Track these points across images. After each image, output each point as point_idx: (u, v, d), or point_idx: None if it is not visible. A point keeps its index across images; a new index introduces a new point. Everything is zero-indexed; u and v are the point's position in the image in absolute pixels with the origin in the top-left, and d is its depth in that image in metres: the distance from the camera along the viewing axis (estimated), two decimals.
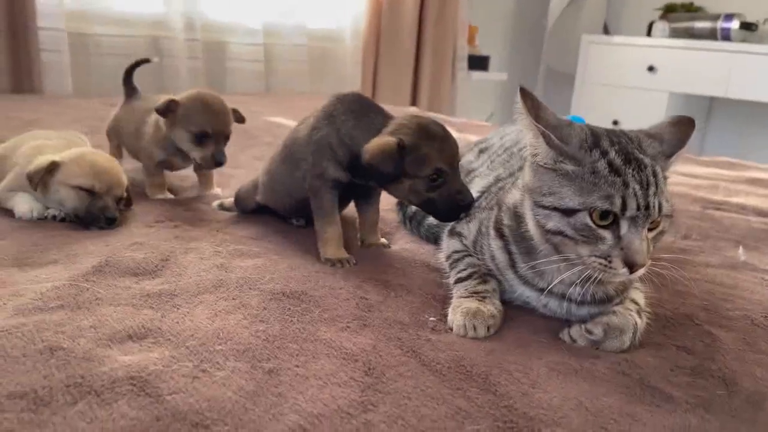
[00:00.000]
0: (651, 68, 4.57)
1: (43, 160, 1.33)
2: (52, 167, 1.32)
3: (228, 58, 3.70)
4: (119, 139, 1.81)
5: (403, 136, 1.13)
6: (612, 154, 0.90)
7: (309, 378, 0.77)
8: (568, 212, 0.90)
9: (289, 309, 0.96)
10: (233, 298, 0.98)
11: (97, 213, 1.31)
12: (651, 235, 0.91)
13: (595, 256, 0.90)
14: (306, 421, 0.67)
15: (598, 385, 0.82)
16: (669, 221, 0.95)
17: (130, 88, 1.83)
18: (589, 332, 0.95)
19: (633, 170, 0.89)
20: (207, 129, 1.45)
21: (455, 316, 0.97)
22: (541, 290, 1.01)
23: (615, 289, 1.01)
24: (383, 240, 1.35)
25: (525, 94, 0.93)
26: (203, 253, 1.16)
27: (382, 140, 1.13)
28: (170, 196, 1.59)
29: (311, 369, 0.79)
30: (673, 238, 1.50)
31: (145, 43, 3.39)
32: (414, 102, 4.60)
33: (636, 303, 1.02)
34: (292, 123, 2.61)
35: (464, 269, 1.09)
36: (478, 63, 4.89)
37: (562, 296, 1.01)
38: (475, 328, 0.95)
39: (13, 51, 2.95)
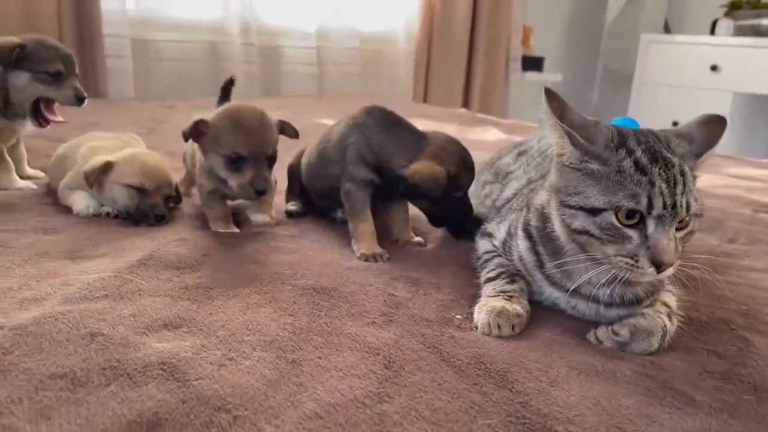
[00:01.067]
0: (714, 67, 4.42)
1: (98, 160, 1.41)
2: (107, 167, 1.39)
3: (282, 61, 3.79)
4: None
5: (450, 166, 1.28)
6: (638, 153, 0.90)
7: (330, 369, 0.80)
8: (593, 211, 0.90)
9: (318, 304, 0.99)
10: (265, 293, 1.02)
11: (146, 210, 1.38)
12: (680, 234, 0.91)
13: (622, 255, 0.89)
14: (322, 410, 0.70)
15: (618, 385, 0.82)
16: (698, 221, 0.94)
17: None
18: (616, 333, 0.94)
19: (660, 169, 0.88)
20: (240, 151, 1.22)
21: (480, 315, 0.98)
22: (569, 291, 1.01)
23: (644, 291, 1.00)
24: (418, 238, 1.38)
25: (550, 94, 0.94)
26: (242, 250, 1.21)
27: (433, 168, 1.26)
28: (234, 229, 1.35)
29: (333, 361, 0.82)
30: (718, 242, 1.47)
31: (203, 48, 3.51)
32: (466, 104, 4.59)
33: (667, 306, 1.01)
34: None
35: (493, 269, 1.10)
36: (533, 64, 4.84)
37: (590, 298, 1.01)
38: (499, 327, 0.96)
39: (81, 57, 3.10)
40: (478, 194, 1.49)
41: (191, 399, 0.70)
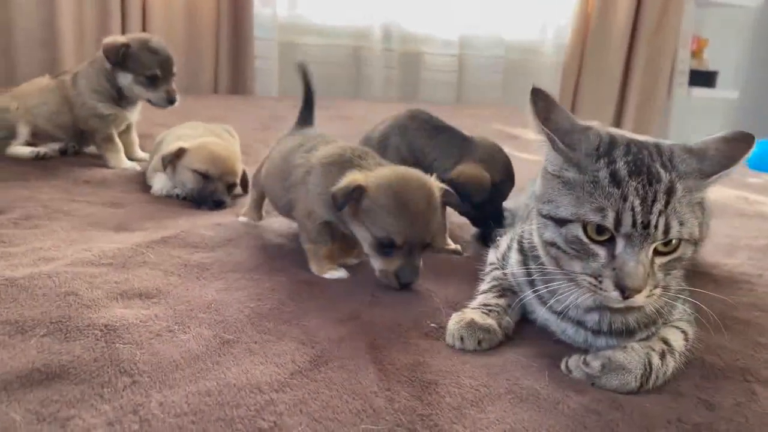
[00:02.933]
0: None
1: (174, 145, 1.55)
2: (180, 152, 1.53)
3: (422, 68, 3.84)
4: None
5: (495, 173, 1.28)
6: (619, 164, 0.81)
7: (256, 354, 0.82)
8: (560, 222, 0.83)
9: (296, 294, 1.02)
10: (254, 279, 1.06)
11: (207, 195, 1.49)
12: (662, 260, 0.80)
13: (586, 273, 0.81)
14: (216, 388, 0.73)
15: (549, 417, 0.75)
16: (692, 248, 0.82)
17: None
18: (586, 364, 0.85)
19: (639, 183, 0.78)
20: (396, 239, 1.03)
21: (449, 325, 0.94)
22: (557, 313, 0.94)
23: (636, 321, 0.89)
24: (455, 246, 1.34)
25: (537, 94, 0.87)
26: (263, 240, 1.26)
27: (479, 172, 1.26)
28: (342, 273, 1.12)
29: (265, 347, 0.84)
30: None
31: (346, 52, 3.67)
32: (618, 120, 4.31)
33: (666, 343, 0.89)
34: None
35: (489, 282, 1.05)
36: (703, 79, 4.42)
37: (578, 323, 0.92)
38: (462, 339, 0.91)
39: (234, 58, 3.40)
40: None
41: (104, 359, 0.76)
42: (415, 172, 1.08)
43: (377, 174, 1.05)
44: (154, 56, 1.70)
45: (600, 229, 0.80)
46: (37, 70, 2.48)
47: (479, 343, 0.91)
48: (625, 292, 0.78)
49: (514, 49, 4.01)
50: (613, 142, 0.85)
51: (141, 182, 1.65)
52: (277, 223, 1.36)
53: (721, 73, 4.53)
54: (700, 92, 4.40)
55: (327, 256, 1.13)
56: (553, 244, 0.85)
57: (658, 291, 0.81)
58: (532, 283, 0.97)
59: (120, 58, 1.66)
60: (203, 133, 1.71)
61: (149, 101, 1.76)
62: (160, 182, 1.58)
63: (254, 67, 3.43)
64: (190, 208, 1.47)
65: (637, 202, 0.78)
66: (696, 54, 4.48)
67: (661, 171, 0.80)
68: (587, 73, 4.18)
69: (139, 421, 0.66)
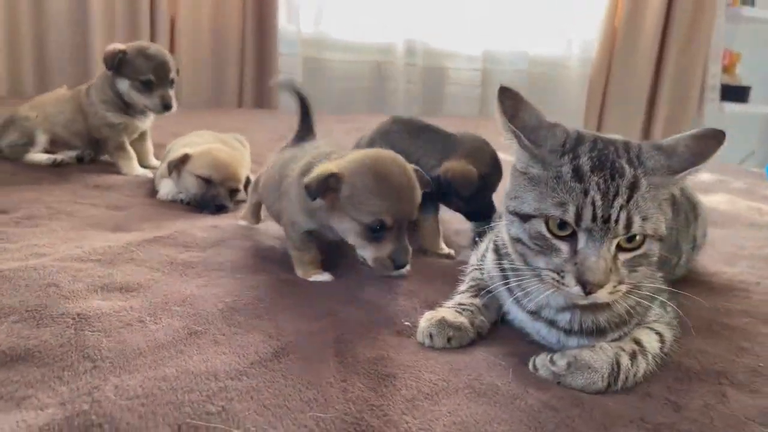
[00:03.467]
0: None
1: (180, 152, 1.59)
2: (185, 158, 1.57)
3: (446, 82, 3.86)
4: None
5: (481, 166, 1.28)
6: (583, 159, 0.80)
7: (221, 345, 0.83)
8: (525, 218, 0.83)
9: (277, 291, 1.03)
10: (239, 277, 1.08)
11: (209, 199, 1.53)
12: (626, 256, 0.79)
13: (549, 269, 0.81)
14: (173, 374, 0.74)
15: (504, 412, 0.74)
16: (657, 244, 0.80)
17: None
18: (552, 362, 0.85)
19: (601, 178, 0.78)
20: (386, 219, 1.00)
21: (420, 323, 0.94)
22: (531, 313, 0.93)
23: (607, 321, 0.88)
24: (449, 250, 1.34)
25: (504, 93, 0.87)
26: (255, 242, 1.28)
27: (465, 167, 1.27)
28: (326, 276, 1.12)
29: (232, 339, 0.85)
30: None
31: (369, 68, 3.71)
32: (647, 135, 4.25)
33: (639, 344, 0.87)
34: None
35: (467, 282, 1.05)
36: (736, 94, 4.33)
37: (551, 322, 0.91)
38: (431, 336, 0.91)
39: (258, 73, 3.47)
40: None
41: (69, 345, 0.78)
42: (384, 151, 1.07)
43: (348, 159, 1.03)
44: (148, 61, 1.75)
45: (562, 224, 0.79)
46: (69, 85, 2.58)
47: (449, 340, 0.91)
48: (587, 286, 0.77)
49: (539, 64, 4.00)
50: (579, 138, 0.85)
51: (150, 188, 1.69)
52: (274, 227, 1.38)
53: (755, 88, 4.42)
54: (732, 107, 4.31)
55: (311, 261, 1.14)
56: (518, 240, 0.85)
57: (623, 287, 0.80)
58: (506, 283, 0.96)
59: (116, 63, 1.72)
60: (211, 141, 1.75)
61: (146, 107, 1.80)
62: (165, 187, 1.62)
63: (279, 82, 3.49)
64: (191, 212, 1.50)
65: (598, 197, 0.77)
66: (728, 69, 4.40)
67: (626, 166, 0.80)
68: (614, 88, 4.14)
69: (90, 402, 0.67)
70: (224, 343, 0.84)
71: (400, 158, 1.06)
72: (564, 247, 0.80)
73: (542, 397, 0.78)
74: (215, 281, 1.05)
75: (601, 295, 0.79)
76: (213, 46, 3.36)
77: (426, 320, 0.93)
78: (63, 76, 2.97)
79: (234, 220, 1.43)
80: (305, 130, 1.38)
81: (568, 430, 0.72)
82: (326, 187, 1.00)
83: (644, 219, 0.78)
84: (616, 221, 0.76)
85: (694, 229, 1.23)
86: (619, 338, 0.89)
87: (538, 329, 0.93)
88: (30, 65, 3.01)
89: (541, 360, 0.86)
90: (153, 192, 1.65)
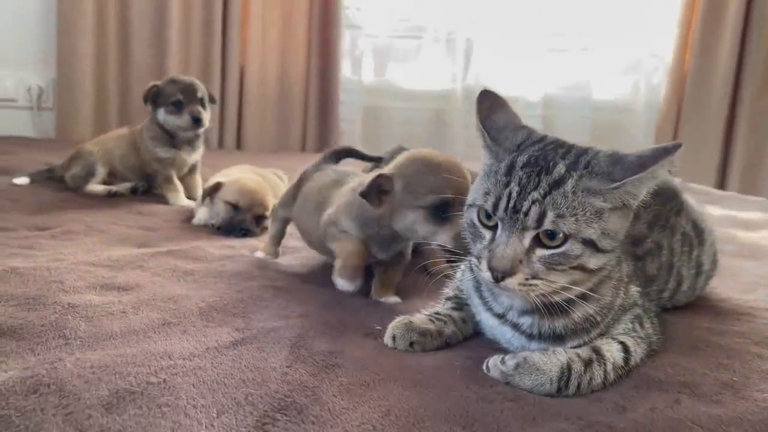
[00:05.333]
0: None
1: (213, 180, 1.71)
2: (217, 186, 1.68)
3: None
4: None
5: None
6: (521, 156, 0.82)
7: (187, 334, 0.90)
8: (468, 207, 0.87)
9: (262, 295, 1.09)
10: (231, 283, 1.15)
11: (235, 224, 1.62)
12: (544, 252, 0.79)
13: (474, 255, 0.84)
14: (132, 353, 0.81)
15: (435, 401, 0.75)
16: (585, 250, 0.79)
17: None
18: (503, 362, 0.85)
19: (526, 173, 0.80)
20: (447, 194, 1.01)
21: (389, 325, 0.96)
22: (499, 316, 0.93)
23: (564, 328, 0.87)
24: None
25: (484, 95, 0.91)
26: (257, 260, 1.34)
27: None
28: (355, 286, 1.10)
29: (201, 330, 0.92)
30: None
31: (429, 115, 3.80)
32: (722, 182, 4.06)
33: (597, 353, 0.86)
34: None
35: (453, 290, 1.05)
36: None
37: (515, 326, 0.92)
38: (394, 338, 0.93)
39: (321, 120, 3.64)
40: None
41: (50, 325, 0.87)
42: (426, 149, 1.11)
43: (392, 164, 1.08)
44: (176, 85, 1.93)
45: (488, 214, 0.82)
46: None
47: (411, 344, 0.93)
48: (494, 272, 0.79)
49: (603, 109, 3.95)
50: (536, 139, 0.87)
51: (189, 216, 1.81)
52: (287, 262, 1.37)
53: None
54: None
55: (355, 255, 1.10)
56: (464, 229, 0.88)
57: (537, 283, 0.79)
58: (478, 288, 0.97)
59: (152, 96, 1.91)
60: (247, 173, 1.86)
61: (179, 128, 1.94)
62: (200, 213, 1.74)
63: (339, 128, 3.64)
64: (217, 234, 1.60)
65: (515, 189, 0.79)
66: None
67: (560, 166, 0.80)
68: (685, 134, 4.01)
69: (48, 369, 0.75)
70: (192, 333, 0.90)
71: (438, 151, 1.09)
72: (488, 235, 0.82)
73: (480, 391, 0.79)
74: (208, 286, 1.12)
75: (510, 285, 0.79)
76: (279, 94, 3.57)
77: (394, 322, 0.96)
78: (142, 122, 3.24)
79: (254, 241, 1.51)
80: (332, 159, 1.43)
81: (493, 420, 0.72)
82: (379, 190, 1.04)
83: (560, 216, 0.77)
84: (526, 213, 0.78)
85: (699, 255, 1.18)
86: (579, 345, 0.88)
87: (504, 333, 0.93)
88: (115, 113, 3.30)
89: (493, 361, 0.87)
90: (190, 218, 1.77)
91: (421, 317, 0.98)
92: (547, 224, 0.78)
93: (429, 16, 3.67)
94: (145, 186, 2.08)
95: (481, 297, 0.97)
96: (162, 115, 1.94)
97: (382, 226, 1.09)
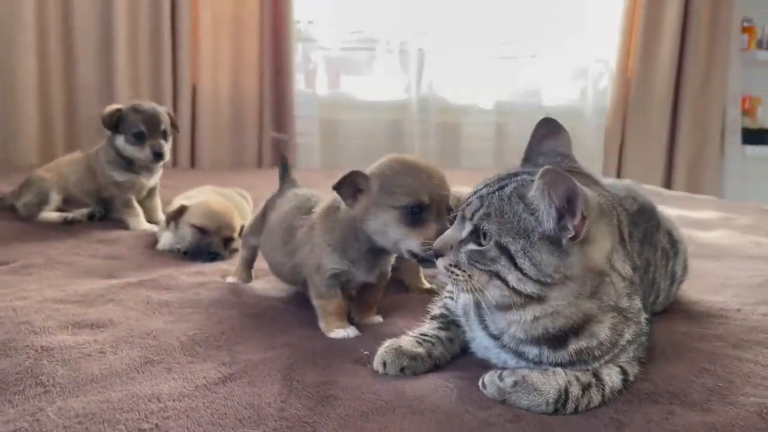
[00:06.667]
0: None
1: (177, 204, 1.66)
2: (182, 210, 1.64)
3: (461, 137, 3.92)
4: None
5: None
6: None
7: (173, 372, 0.87)
8: None
9: (243, 325, 1.06)
10: (210, 313, 1.12)
11: (203, 247, 1.58)
12: (471, 247, 0.84)
13: None
14: (117, 397, 0.78)
15: (439, 429, 0.74)
16: (496, 251, 0.81)
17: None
18: (500, 378, 0.85)
19: (501, 178, 0.88)
20: (423, 198, 0.99)
21: (378, 350, 0.95)
22: (494, 337, 0.93)
23: (562, 359, 0.86)
24: (431, 285, 1.35)
25: (545, 122, 1.02)
26: (230, 286, 1.31)
27: None
28: (350, 331, 1.06)
29: (187, 368, 0.88)
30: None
31: (385, 126, 3.81)
32: (669, 181, 4.20)
33: (597, 377, 0.85)
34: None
35: (440, 308, 1.04)
36: (758, 137, 4.28)
37: (518, 354, 0.90)
38: (384, 365, 0.92)
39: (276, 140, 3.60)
40: None
41: (26, 372, 0.83)
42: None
43: (372, 165, 1.05)
44: (139, 115, 1.86)
45: None
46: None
47: (402, 369, 0.91)
48: (435, 250, 0.87)
49: (553, 115, 3.96)
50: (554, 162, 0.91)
51: (152, 241, 1.76)
52: (261, 285, 1.34)
53: None
54: (755, 150, 4.26)
55: (336, 311, 1.08)
56: None
57: (459, 273, 0.84)
58: (478, 305, 0.96)
59: (114, 122, 1.83)
60: (211, 194, 1.82)
61: (139, 159, 1.88)
62: (164, 239, 1.69)
63: (296, 142, 3.61)
64: (185, 260, 1.55)
65: (480, 187, 0.87)
66: (749, 113, 4.37)
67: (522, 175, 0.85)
68: (631, 136, 4.13)
69: (30, 422, 0.71)
70: (176, 371, 0.87)
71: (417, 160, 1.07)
72: None
73: (481, 415, 0.78)
74: (185, 317, 1.09)
75: (439, 264, 0.87)
76: (233, 110, 3.50)
77: (383, 348, 0.94)
78: (91, 144, 3.12)
79: (224, 265, 1.47)
80: (286, 183, 1.38)
81: None
82: (355, 187, 1.01)
83: (486, 215, 0.82)
84: (468, 205, 0.85)
85: (674, 266, 1.21)
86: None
87: (504, 360, 0.91)
88: (61, 133, 3.19)
89: (489, 376, 0.86)
90: (154, 244, 1.72)
91: (408, 340, 0.97)
92: (476, 219, 0.83)
93: (381, 28, 3.68)
94: (103, 212, 2.01)
95: (479, 314, 0.96)
96: (121, 142, 1.87)
97: (361, 241, 1.06)
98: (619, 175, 4.14)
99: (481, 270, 0.82)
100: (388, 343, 0.95)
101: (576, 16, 3.92)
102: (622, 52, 4.05)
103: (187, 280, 1.32)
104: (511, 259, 0.80)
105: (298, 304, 1.18)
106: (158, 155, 1.86)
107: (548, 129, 0.94)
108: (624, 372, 0.88)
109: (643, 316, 0.92)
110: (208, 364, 0.90)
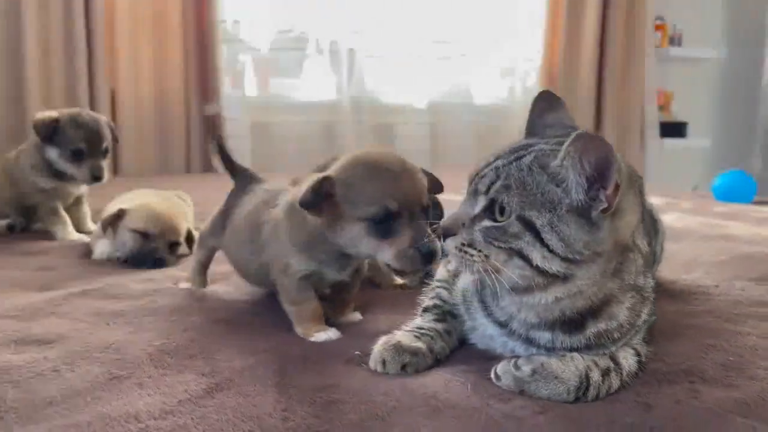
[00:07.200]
0: None
1: (114, 208, 1.51)
2: (120, 214, 1.49)
3: (395, 137, 3.87)
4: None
5: None
6: None
7: (147, 387, 0.75)
8: None
9: (212, 331, 0.95)
10: (172, 320, 1.00)
11: (147, 253, 1.44)
12: (487, 223, 0.77)
13: None
14: (86, 421, 0.66)
15: (465, 426, 0.67)
16: (519, 227, 0.75)
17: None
18: (517, 367, 0.78)
19: (512, 150, 0.81)
20: (391, 205, 0.88)
21: (375, 348, 0.86)
22: (500, 324, 0.86)
23: (579, 344, 0.81)
24: (403, 281, 1.28)
25: (543, 96, 0.93)
26: (188, 292, 1.19)
27: None
28: (332, 333, 0.96)
29: (161, 380, 0.77)
30: (759, 292, 1.18)
31: (318, 128, 3.71)
32: None
33: (615, 362, 0.80)
34: None
35: (432, 299, 0.96)
36: (674, 130, 4.47)
37: (527, 340, 0.83)
38: (384, 363, 0.83)
39: (205, 138, 3.43)
40: None
41: None
42: (375, 147, 0.98)
43: (337, 164, 0.93)
44: (80, 131, 1.68)
45: None
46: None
47: (403, 367, 0.83)
48: (442, 231, 0.79)
49: (484, 113, 4.05)
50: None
51: (84, 251, 1.59)
52: (223, 290, 1.22)
53: (692, 123, 4.58)
54: (672, 143, 4.44)
55: (313, 316, 0.97)
56: None
57: (473, 252, 0.76)
58: (480, 291, 0.89)
59: (49, 132, 1.65)
60: (150, 196, 1.68)
61: (74, 176, 1.72)
62: (101, 247, 1.53)
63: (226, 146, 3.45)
64: (127, 268, 1.41)
65: (490, 159, 0.79)
66: (664, 107, 4.55)
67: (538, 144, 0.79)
68: None
69: None
70: (150, 386, 0.75)
71: (392, 151, 0.96)
72: None
73: (504, 409, 0.71)
74: (145, 327, 0.96)
75: (448, 245, 0.78)
76: (157, 114, 3.31)
77: (380, 345, 0.85)
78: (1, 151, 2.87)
79: (174, 271, 1.34)
80: (246, 177, 1.25)
81: None
82: (321, 195, 0.88)
83: (506, 186, 0.75)
84: (482, 177, 0.77)
85: (655, 245, 1.19)
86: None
87: (511, 347, 0.85)
88: None
89: (503, 366, 0.79)
90: (87, 254, 1.56)
91: (406, 335, 0.88)
92: (493, 192, 0.75)
93: (311, 28, 3.58)
94: (24, 222, 1.82)
95: (482, 301, 0.89)
96: (55, 155, 1.67)
97: (331, 244, 0.94)
98: None
99: (500, 248, 0.74)
100: (384, 340, 0.86)
101: (505, 15, 3.96)
102: (548, 51, 4.14)
103: (138, 287, 1.18)
104: (537, 235, 0.73)
105: (269, 308, 1.07)
106: (97, 178, 1.70)
107: (547, 102, 0.88)
108: (638, 354, 0.84)
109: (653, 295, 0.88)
110: (185, 375, 0.78)
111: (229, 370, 0.80)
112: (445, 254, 0.85)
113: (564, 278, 0.74)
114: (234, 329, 0.97)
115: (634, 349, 0.83)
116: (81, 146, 1.67)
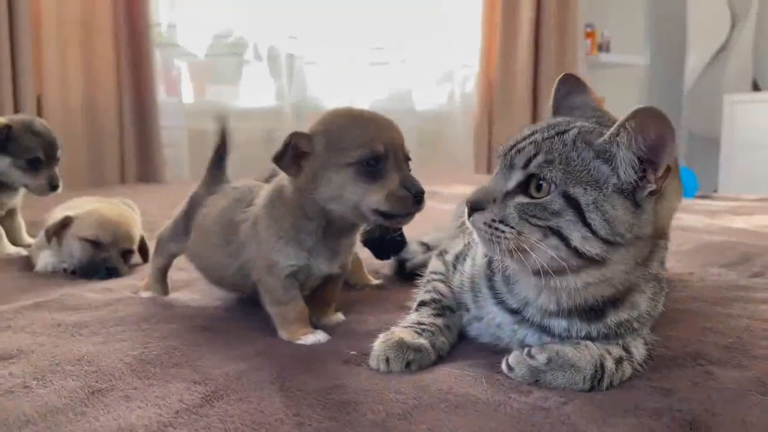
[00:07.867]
0: None
1: (58, 215, 1.40)
2: (67, 221, 1.37)
3: None
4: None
5: None
6: None
7: (133, 400, 0.67)
8: None
9: (193, 338, 0.88)
10: (145, 329, 0.91)
11: (98, 263, 1.33)
12: (523, 200, 0.74)
13: None
14: None
15: (492, 420, 0.63)
16: (561, 203, 0.71)
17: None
18: (531, 357, 0.74)
19: (548, 125, 0.78)
20: (377, 147, 0.86)
21: (375, 346, 0.81)
22: (512, 312, 0.82)
23: (598, 332, 0.78)
24: (377, 281, 1.24)
25: (567, 78, 0.87)
26: (152, 301, 1.10)
27: None
28: (320, 336, 0.90)
29: (147, 392, 0.69)
30: (737, 276, 1.21)
31: (258, 134, 3.61)
32: None
33: (627, 351, 0.78)
34: None
35: (429, 292, 0.92)
36: None
37: (541, 328, 0.80)
38: (387, 361, 0.78)
39: (141, 147, 3.27)
40: None
41: None
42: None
43: (314, 124, 0.91)
44: (37, 139, 1.55)
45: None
46: None
47: (408, 365, 0.78)
48: (468, 205, 0.75)
49: (425, 119, 4.06)
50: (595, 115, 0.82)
51: (24, 264, 1.47)
52: (188, 297, 1.14)
53: None
54: None
55: (298, 317, 0.92)
56: None
57: (505, 229, 0.72)
58: (491, 278, 0.85)
59: (2, 140, 1.52)
60: (95, 203, 1.56)
61: (26, 187, 1.59)
62: (43, 259, 1.41)
63: (163, 155, 3.31)
64: (77, 279, 1.30)
65: (526, 132, 0.77)
66: None
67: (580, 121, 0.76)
68: (498, 137, 4.27)
69: None
70: (138, 398, 0.68)
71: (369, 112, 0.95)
72: None
73: (527, 401, 0.68)
74: (116, 336, 0.88)
75: (476, 221, 0.74)
76: (87, 122, 3.12)
77: (381, 342, 0.80)
78: None
79: (131, 280, 1.25)
80: (217, 177, 1.18)
81: (567, 428, 0.62)
82: (296, 152, 0.87)
83: (548, 161, 0.72)
84: (519, 151, 0.74)
85: None
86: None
87: (522, 336, 0.82)
88: None
89: (516, 357, 0.76)
90: (28, 268, 1.43)
91: (407, 331, 0.83)
92: (533, 167, 0.72)
93: (249, 33, 3.49)
94: None
95: (492, 288, 0.85)
96: (5, 165, 1.53)
97: (317, 220, 0.91)
98: (490, 171, 4.26)
99: (537, 226, 0.71)
100: (384, 338, 0.81)
101: (442, 22, 3.99)
102: (485, 56, 4.20)
103: (97, 297, 1.09)
104: (580, 213, 0.69)
105: (246, 312, 1.01)
106: (55, 188, 1.58)
107: (571, 84, 0.85)
108: (646, 342, 0.82)
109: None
110: (174, 384, 0.71)
111: (223, 377, 0.73)
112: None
113: (600, 262, 0.71)
114: (214, 336, 0.90)
115: (643, 338, 0.82)
116: (39, 155, 1.55)
